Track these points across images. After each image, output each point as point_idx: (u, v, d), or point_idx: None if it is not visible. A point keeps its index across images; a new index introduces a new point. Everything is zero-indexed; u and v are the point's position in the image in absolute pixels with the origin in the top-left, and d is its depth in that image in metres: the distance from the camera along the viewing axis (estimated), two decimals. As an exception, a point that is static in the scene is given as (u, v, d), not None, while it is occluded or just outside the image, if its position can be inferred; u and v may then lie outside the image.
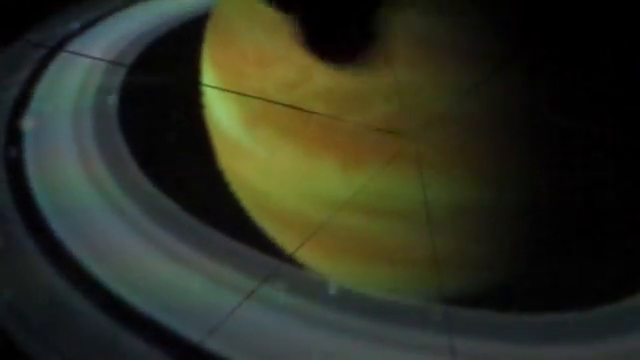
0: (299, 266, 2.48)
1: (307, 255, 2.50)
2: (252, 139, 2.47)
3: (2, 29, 2.91)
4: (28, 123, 2.74)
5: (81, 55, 2.97)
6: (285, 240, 2.54)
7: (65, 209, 2.68)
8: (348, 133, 2.29)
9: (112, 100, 2.87)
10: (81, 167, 2.70)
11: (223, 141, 2.62)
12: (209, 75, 2.66)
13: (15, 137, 2.77)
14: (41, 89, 2.85)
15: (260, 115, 2.42)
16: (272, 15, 2.41)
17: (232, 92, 2.53)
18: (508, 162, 2.29)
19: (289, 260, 2.48)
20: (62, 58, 2.97)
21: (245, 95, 2.45)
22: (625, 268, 2.26)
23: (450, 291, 2.33)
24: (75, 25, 3.10)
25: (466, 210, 2.30)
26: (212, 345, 2.24)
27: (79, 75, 2.93)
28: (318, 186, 2.37)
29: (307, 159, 2.35)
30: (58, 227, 2.63)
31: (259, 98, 2.40)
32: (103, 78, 2.94)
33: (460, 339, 2.17)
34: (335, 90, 2.29)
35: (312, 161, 2.34)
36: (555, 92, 2.32)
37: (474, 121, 2.25)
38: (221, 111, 2.59)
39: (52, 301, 2.42)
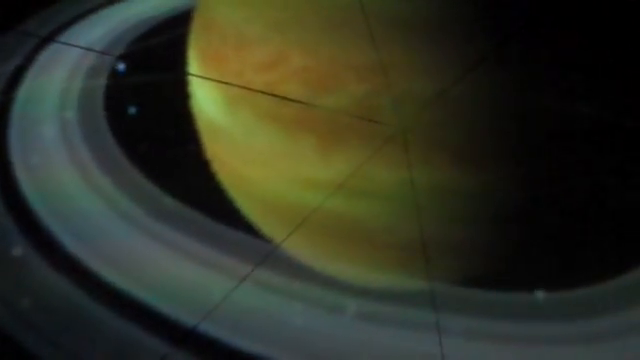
0: (290, 250, 2.45)
1: (293, 240, 2.47)
2: (233, 123, 2.44)
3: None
4: (15, 120, 2.75)
5: (71, 45, 2.97)
6: (271, 224, 2.51)
7: (55, 203, 2.69)
8: (326, 114, 2.25)
9: (99, 93, 2.87)
10: (70, 164, 2.70)
11: (207, 127, 2.60)
12: (193, 62, 2.65)
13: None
14: (29, 80, 2.86)
15: (239, 98, 2.39)
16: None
17: (213, 80, 2.51)
18: (493, 145, 2.23)
19: (281, 245, 2.45)
20: (52, 48, 2.98)
21: (225, 81, 2.43)
22: (607, 250, 2.20)
23: (436, 272, 2.27)
24: (67, 16, 3.10)
25: (450, 192, 2.24)
26: (208, 328, 2.25)
27: (68, 64, 2.93)
28: (299, 169, 2.33)
29: (286, 141, 2.31)
30: (47, 217, 2.64)
31: (238, 86, 2.38)
32: (91, 68, 2.94)
33: (446, 316, 2.14)
34: (312, 70, 2.25)
35: (291, 143, 2.30)
36: (542, 77, 2.27)
37: (457, 101, 2.20)
38: (204, 97, 2.56)
39: (45, 290, 2.43)
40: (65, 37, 3.03)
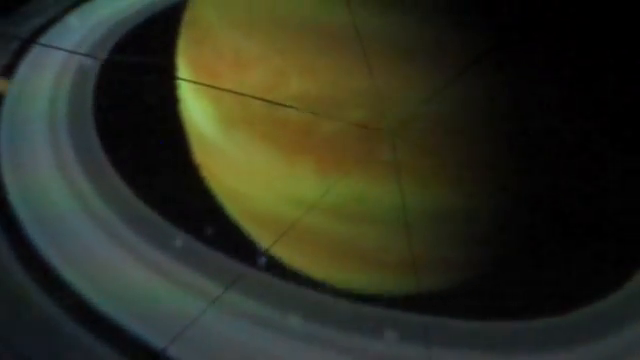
0: (267, 272, 2.48)
1: (285, 256, 2.52)
2: (228, 140, 2.45)
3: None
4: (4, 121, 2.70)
5: (54, 48, 2.92)
6: (259, 240, 2.54)
7: (39, 211, 2.67)
8: (324, 137, 2.28)
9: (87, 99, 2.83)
10: (58, 171, 2.67)
11: (199, 140, 2.60)
12: (184, 73, 2.63)
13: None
14: (15, 87, 2.81)
15: (237, 117, 2.40)
16: (249, 15, 2.38)
17: (207, 86, 2.51)
18: (484, 166, 2.31)
19: (256, 265, 2.48)
20: (35, 52, 2.92)
21: (221, 97, 2.43)
22: (595, 274, 2.30)
23: (425, 296, 2.35)
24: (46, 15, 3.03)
25: (442, 214, 2.31)
26: (175, 352, 2.25)
27: (54, 70, 2.88)
28: (295, 189, 2.37)
29: (284, 163, 2.34)
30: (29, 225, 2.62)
31: (237, 92, 2.39)
32: (77, 74, 2.89)
33: (437, 349, 2.20)
34: (311, 94, 2.28)
35: (289, 165, 2.33)
36: (535, 84, 2.33)
37: (451, 125, 2.26)
38: (197, 110, 2.56)
39: (19, 300, 2.41)
40: (47, 39, 2.96)
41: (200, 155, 2.62)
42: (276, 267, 2.53)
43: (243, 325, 2.36)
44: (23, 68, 2.89)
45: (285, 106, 2.30)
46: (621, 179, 2.34)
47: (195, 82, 2.59)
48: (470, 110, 2.26)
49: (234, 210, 2.61)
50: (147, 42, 3.00)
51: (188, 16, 2.70)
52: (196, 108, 2.55)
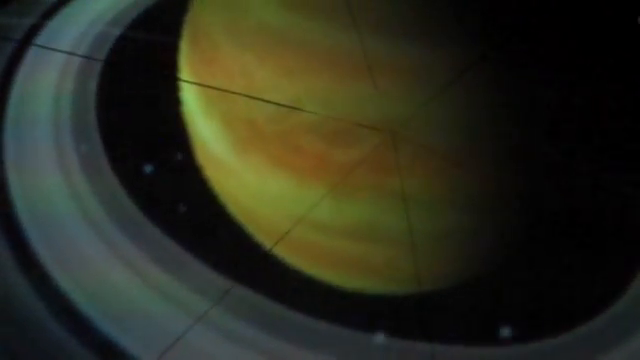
0: (257, 289, 2.51)
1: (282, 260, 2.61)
2: (240, 161, 2.50)
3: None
4: (7, 132, 2.69)
5: (52, 50, 2.87)
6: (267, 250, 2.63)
7: (39, 212, 2.69)
8: (337, 165, 2.36)
9: (90, 98, 2.82)
10: (61, 177, 2.69)
11: (208, 157, 2.64)
12: (190, 90, 2.64)
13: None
14: (17, 91, 2.77)
15: (249, 141, 2.45)
16: (262, 39, 2.39)
17: (221, 89, 2.51)
18: (491, 189, 2.42)
19: (246, 280, 2.52)
20: (32, 54, 2.86)
21: (232, 120, 2.47)
22: (598, 290, 2.46)
23: (432, 324, 2.50)
24: (39, 11, 2.95)
25: (448, 237, 2.45)
26: None
27: (54, 73, 2.84)
28: (309, 213, 2.45)
29: (297, 187, 2.42)
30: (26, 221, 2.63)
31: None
32: (79, 77, 2.86)
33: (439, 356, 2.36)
34: (325, 123, 2.33)
35: (302, 189, 2.41)
36: (536, 80, 2.39)
37: (461, 154, 2.35)
38: (206, 129, 2.59)
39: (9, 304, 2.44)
40: (42, 39, 2.89)
41: (210, 171, 2.66)
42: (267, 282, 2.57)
43: (228, 345, 2.40)
44: (23, 70, 2.84)
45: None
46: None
47: (200, 84, 2.61)
48: (480, 142, 2.35)
49: (245, 223, 2.68)
50: (149, 38, 2.96)
51: (191, 31, 2.67)
52: (206, 128, 2.58)
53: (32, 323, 2.40)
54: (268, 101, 2.37)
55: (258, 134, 2.41)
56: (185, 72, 2.66)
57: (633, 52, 2.48)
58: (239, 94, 2.42)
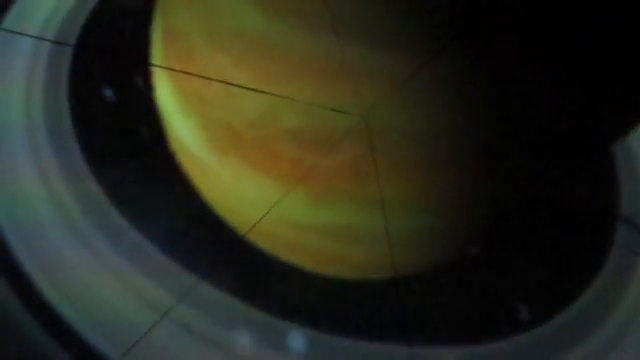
0: (221, 284, 2.53)
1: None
2: (218, 163, 2.50)
3: None
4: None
5: (20, 34, 2.76)
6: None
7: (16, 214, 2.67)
8: (317, 171, 2.38)
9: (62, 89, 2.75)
10: (38, 179, 2.65)
11: (186, 155, 2.63)
12: (165, 87, 2.59)
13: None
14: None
15: (227, 145, 2.44)
16: (239, 43, 2.34)
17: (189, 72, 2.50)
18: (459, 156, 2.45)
19: (209, 277, 2.54)
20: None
21: (210, 122, 2.45)
22: (576, 278, 2.57)
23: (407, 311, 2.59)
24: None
25: (423, 239, 2.52)
26: None
27: (24, 61, 2.75)
28: (288, 214, 2.49)
29: (276, 191, 2.44)
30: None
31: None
32: (50, 64, 2.77)
33: (417, 347, 2.46)
34: (304, 129, 2.33)
35: (281, 193, 2.44)
36: (505, 69, 2.38)
37: (441, 159, 2.39)
38: (183, 130, 2.56)
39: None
40: (7, 23, 2.78)
41: (189, 168, 2.66)
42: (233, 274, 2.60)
43: (192, 342, 2.42)
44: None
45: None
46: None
47: (176, 70, 2.56)
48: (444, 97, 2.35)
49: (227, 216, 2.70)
50: (117, 26, 2.86)
51: (162, 22, 2.59)
52: (183, 129, 2.55)
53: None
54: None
55: (236, 138, 2.40)
56: (160, 69, 2.61)
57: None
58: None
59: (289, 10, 2.26)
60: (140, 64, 2.75)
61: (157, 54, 2.63)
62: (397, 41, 2.25)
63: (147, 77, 2.75)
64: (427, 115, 2.33)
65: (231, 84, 2.35)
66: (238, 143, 2.41)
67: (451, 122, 2.34)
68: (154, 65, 2.72)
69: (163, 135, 2.67)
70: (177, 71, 2.48)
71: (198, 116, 2.48)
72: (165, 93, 2.61)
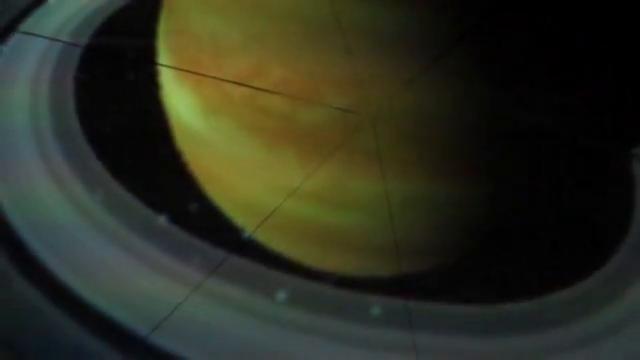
0: (250, 256, 2.48)
1: (265, 242, 2.53)
2: (210, 128, 2.44)
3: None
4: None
5: (35, 35, 2.88)
6: (243, 226, 2.55)
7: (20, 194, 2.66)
8: (305, 125, 2.29)
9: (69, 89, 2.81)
10: (46, 173, 2.66)
11: (181, 128, 2.60)
12: (164, 60, 2.62)
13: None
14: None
15: (218, 106, 2.40)
16: (229, 2, 2.36)
17: (188, 71, 2.49)
18: (465, 154, 2.32)
19: (240, 250, 2.49)
20: (16, 40, 2.89)
21: (202, 86, 2.43)
22: (573, 257, 2.33)
23: (407, 282, 2.38)
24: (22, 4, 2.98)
25: (423, 202, 2.33)
26: (158, 340, 2.24)
27: (33, 60, 2.85)
28: (277, 177, 2.38)
29: (267, 152, 2.35)
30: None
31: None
32: (58, 63, 2.86)
33: (422, 335, 2.23)
34: (291, 83, 2.27)
35: (272, 154, 2.34)
36: (507, 74, 2.33)
37: (433, 111, 2.26)
38: (178, 98, 2.55)
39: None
40: (25, 26, 2.92)
41: (182, 143, 2.62)
42: (259, 252, 2.52)
43: (226, 311, 2.36)
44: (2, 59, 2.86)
45: (265, 90, 2.30)
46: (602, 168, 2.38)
47: (174, 67, 2.58)
48: (451, 96, 2.26)
49: (217, 197, 2.61)
50: (131, 24, 2.96)
51: (166, 12, 2.67)
52: (177, 96, 2.54)
53: (29, 307, 2.37)
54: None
55: (227, 98, 2.36)
56: (161, 43, 2.65)
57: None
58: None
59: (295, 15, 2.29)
60: (146, 62, 2.79)
61: (160, 33, 2.67)
62: (402, 42, 2.24)
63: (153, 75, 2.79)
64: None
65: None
66: (229, 102, 2.36)
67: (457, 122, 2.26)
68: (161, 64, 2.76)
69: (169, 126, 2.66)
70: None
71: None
72: (167, 72, 2.63)
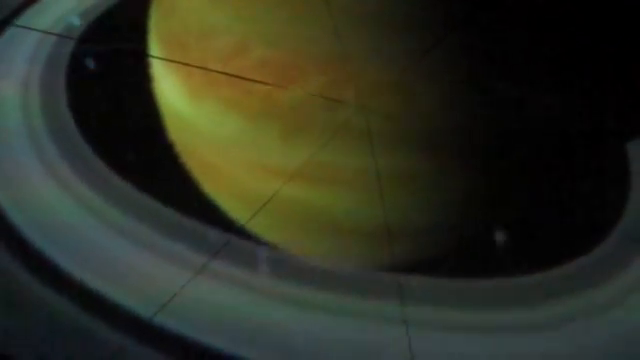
0: (249, 239, 2.47)
1: (256, 227, 2.51)
2: (198, 113, 2.45)
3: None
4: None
5: (30, 29, 2.92)
6: (234, 212, 2.53)
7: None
8: (289, 104, 2.28)
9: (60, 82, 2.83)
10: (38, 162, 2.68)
11: (171, 116, 2.59)
12: (154, 48, 2.63)
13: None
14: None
15: (202, 87, 2.40)
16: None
17: (174, 62, 2.51)
18: (454, 132, 2.30)
19: (239, 233, 2.47)
20: (11, 33, 2.92)
21: (189, 70, 2.43)
22: (569, 233, 2.29)
23: (400, 260, 2.34)
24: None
25: (411, 178, 2.30)
26: (163, 321, 2.24)
27: (27, 51, 2.88)
28: (264, 157, 2.36)
29: (251, 131, 2.34)
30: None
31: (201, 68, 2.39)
32: (51, 54, 2.89)
33: (412, 308, 2.20)
34: (274, 61, 2.28)
35: (256, 132, 2.33)
36: (501, 61, 2.32)
37: (419, 91, 2.25)
38: (167, 86, 2.56)
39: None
40: (23, 20, 2.96)
41: (173, 130, 2.61)
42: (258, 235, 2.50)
43: (231, 291, 2.36)
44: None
45: (243, 78, 2.31)
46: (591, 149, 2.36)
47: (162, 58, 2.59)
48: (439, 77, 2.25)
49: (212, 184, 2.60)
50: (124, 20, 2.98)
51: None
52: (167, 84, 2.55)
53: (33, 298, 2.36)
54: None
55: (210, 76, 2.37)
56: (151, 32, 2.66)
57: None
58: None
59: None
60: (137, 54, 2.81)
61: (151, 22, 2.69)
62: (397, 30, 2.25)
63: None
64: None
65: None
66: (212, 81, 2.37)
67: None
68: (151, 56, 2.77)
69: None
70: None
71: (179, 66, 2.47)
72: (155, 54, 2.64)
